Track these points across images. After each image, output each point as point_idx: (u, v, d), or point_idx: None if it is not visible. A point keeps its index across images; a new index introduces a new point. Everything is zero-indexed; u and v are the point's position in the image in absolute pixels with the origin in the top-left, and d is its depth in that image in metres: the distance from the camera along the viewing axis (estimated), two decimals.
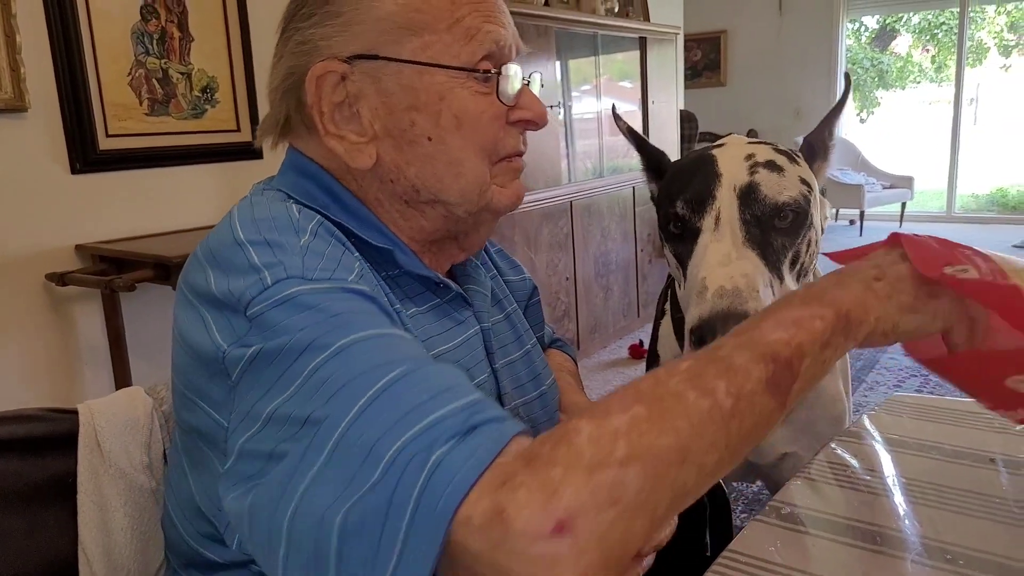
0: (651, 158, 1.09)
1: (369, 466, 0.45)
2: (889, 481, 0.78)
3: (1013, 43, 8.50)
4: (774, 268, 0.85)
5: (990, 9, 8.00)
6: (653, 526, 0.44)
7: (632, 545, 0.43)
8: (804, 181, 0.91)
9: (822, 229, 0.99)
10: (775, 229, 0.87)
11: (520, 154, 0.72)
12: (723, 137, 1.02)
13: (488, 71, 0.67)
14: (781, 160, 0.91)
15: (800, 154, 0.98)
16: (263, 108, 2.46)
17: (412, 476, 0.43)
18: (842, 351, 0.53)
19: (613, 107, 1.37)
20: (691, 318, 0.80)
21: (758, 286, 0.80)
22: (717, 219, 0.87)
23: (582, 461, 0.42)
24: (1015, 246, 5.62)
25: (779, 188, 0.88)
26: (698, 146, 4.73)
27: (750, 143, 0.95)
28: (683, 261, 0.91)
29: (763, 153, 0.92)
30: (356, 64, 0.64)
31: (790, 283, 0.88)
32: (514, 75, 0.68)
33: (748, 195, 0.87)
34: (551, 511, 0.40)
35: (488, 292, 0.79)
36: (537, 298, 0.97)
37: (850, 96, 1.07)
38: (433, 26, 0.65)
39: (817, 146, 1.01)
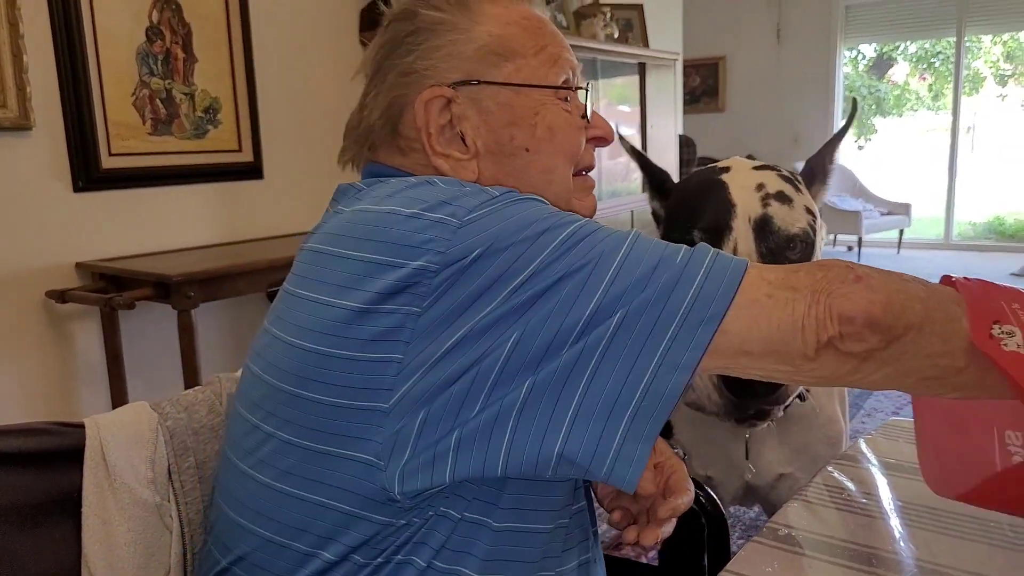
0: (654, 177, 1.12)
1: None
2: (885, 504, 0.79)
3: (1009, 73, 8.59)
4: None
5: (986, 39, 8.10)
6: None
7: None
8: (809, 210, 0.94)
9: (819, 252, 1.01)
10: (786, 260, 0.91)
11: (593, 168, 0.79)
12: (723, 160, 1.03)
13: (572, 89, 0.75)
14: (788, 190, 0.94)
15: (801, 179, 1.00)
16: (265, 129, 2.49)
17: (701, 256, 0.56)
18: None
19: (617, 128, 1.39)
20: None
21: None
22: (735, 251, 0.91)
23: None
24: (1013, 274, 5.64)
25: (791, 220, 0.92)
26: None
27: (755, 168, 0.97)
28: None
29: (772, 183, 0.94)
30: (460, 89, 0.71)
31: None
32: (588, 96, 0.77)
33: (763, 228, 0.91)
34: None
35: None
36: None
37: (853, 122, 1.11)
38: (523, 52, 0.72)
39: (817, 170, 1.04)
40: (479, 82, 0.71)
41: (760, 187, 0.94)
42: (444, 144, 0.71)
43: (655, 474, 0.73)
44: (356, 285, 0.58)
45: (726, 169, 0.98)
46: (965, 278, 0.59)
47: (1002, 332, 0.54)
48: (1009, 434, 0.61)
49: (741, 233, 0.92)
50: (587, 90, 0.77)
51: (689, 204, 0.97)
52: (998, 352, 0.52)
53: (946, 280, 0.60)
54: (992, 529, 0.72)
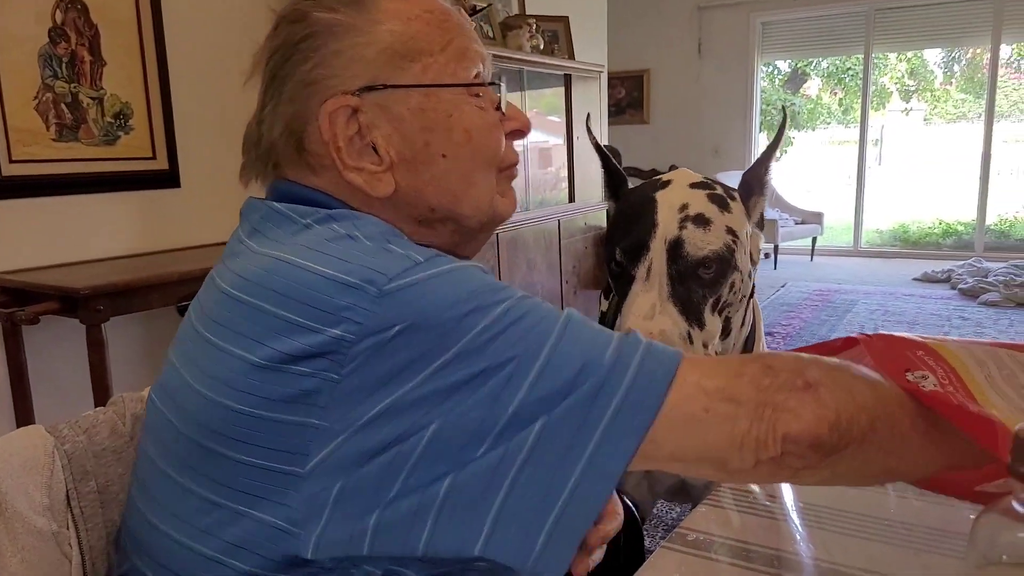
0: (613, 179, 1.18)
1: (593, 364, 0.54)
2: (788, 506, 0.82)
3: (913, 88, 9.09)
4: (694, 317, 0.97)
5: (892, 56, 8.54)
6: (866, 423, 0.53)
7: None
8: (731, 231, 1.00)
9: (755, 262, 1.07)
10: (698, 279, 0.98)
11: (516, 163, 0.76)
12: (669, 173, 1.09)
13: (484, 84, 0.71)
14: (711, 211, 0.99)
15: (736, 195, 1.05)
16: (180, 136, 2.42)
17: (628, 357, 0.54)
18: None
19: (587, 117, 1.45)
20: None
21: (673, 340, 0.92)
22: (649, 270, 0.97)
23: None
24: (915, 279, 5.96)
25: (702, 244, 0.97)
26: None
27: (691, 186, 1.03)
28: (622, 296, 1.01)
29: (696, 203, 1.00)
30: (365, 96, 0.66)
31: (712, 324, 0.99)
32: (502, 89, 0.74)
33: (675, 250, 0.97)
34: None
35: None
36: None
37: (785, 131, 1.16)
38: (428, 50, 0.68)
39: (754, 183, 1.10)
40: (385, 86, 0.67)
41: (683, 208, 0.99)
42: (355, 157, 0.66)
43: None
44: (269, 342, 0.55)
45: (666, 184, 1.04)
46: (866, 335, 0.65)
47: (916, 377, 0.58)
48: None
49: (656, 253, 0.97)
50: (499, 84, 0.74)
51: (624, 218, 1.04)
52: (919, 392, 0.57)
53: (850, 340, 0.65)
54: (886, 527, 0.76)
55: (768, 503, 0.82)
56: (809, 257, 7.03)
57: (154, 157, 2.34)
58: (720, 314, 1.01)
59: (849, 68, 8.54)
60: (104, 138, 2.20)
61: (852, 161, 7.27)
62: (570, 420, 0.53)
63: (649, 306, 0.95)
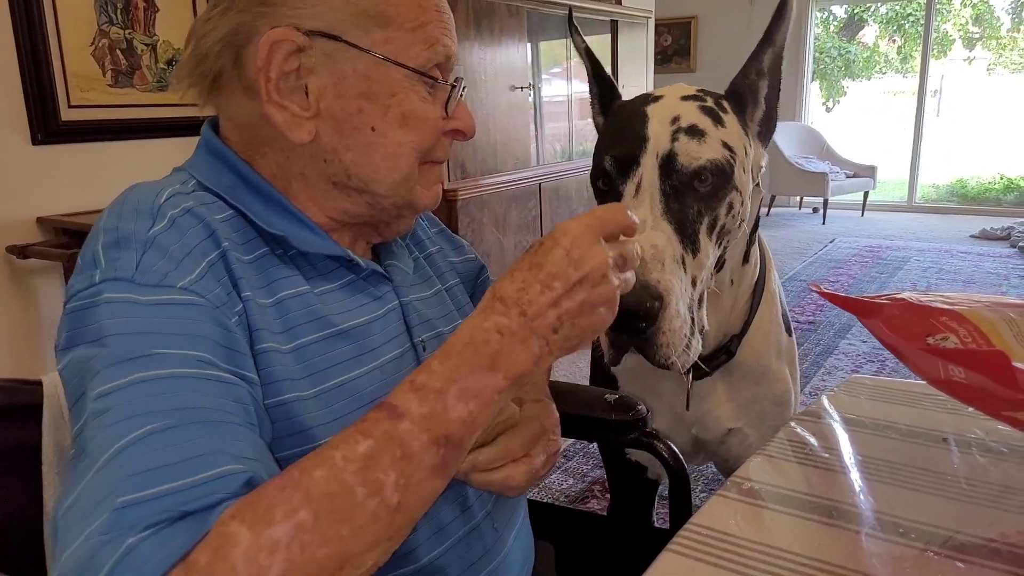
0: (603, 90, 1.09)
1: (87, 519, 0.45)
2: (846, 459, 0.81)
3: (977, 36, 8.68)
4: (689, 240, 0.89)
5: (956, 1, 8.14)
6: None
7: None
8: (727, 145, 0.92)
9: (755, 181, 0.99)
10: (693, 193, 0.90)
11: (444, 161, 0.75)
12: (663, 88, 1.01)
13: (438, 80, 0.69)
14: (705, 123, 0.92)
15: (727, 104, 0.97)
16: None
17: (105, 556, 0.44)
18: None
19: (570, 10, 1.35)
20: None
21: (664, 259, 0.83)
22: (639, 186, 0.90)
23: None
24: (972, 236, 5.78)
25: (696, 154, 0.90)
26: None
27: (683, 98, 0.95)
28: None
29: (688, 115, 0.92)
30: (316, 40, 0.64)
31: (709, 250, 0.91)
32: (458, 90, 0.71)
33: (668, 164, 0.90)
34: None
35: (410, 270, 0.81)
36: (485, 276, 0.99)
37: (782, 23, 1.04)
38: (399, 23, 0.66)
39: (744, 91, 1.00)
40: (341, 40, 0.64)
41: (675, 120, 0.92)
42: (284, 94, 0.64)
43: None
44: None
45: (657, 99, 0.97)
46: (892, 301, 0.68)
47: (936, 340, 0.61)
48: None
49: (648, 169, 0.90)
50: (458, 86, 0.71)
51: (613, 132, 0.96)
52: (942, 352, 0.60)
53: (876, 307, 0.68)
54: (948, 483, 0.75)
55: (826, 455, 0.82)
56: (860, 212, 6.85)
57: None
58: (717, 241, 0.93)
59: (910, 14, 8.18)
60: (157, 84, 2.23)
61: (909, 113, 7.01)
62: None
63: (640, 221, 0.85)
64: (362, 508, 0.48)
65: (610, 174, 0.93)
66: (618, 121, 0.98)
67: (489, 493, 0.77)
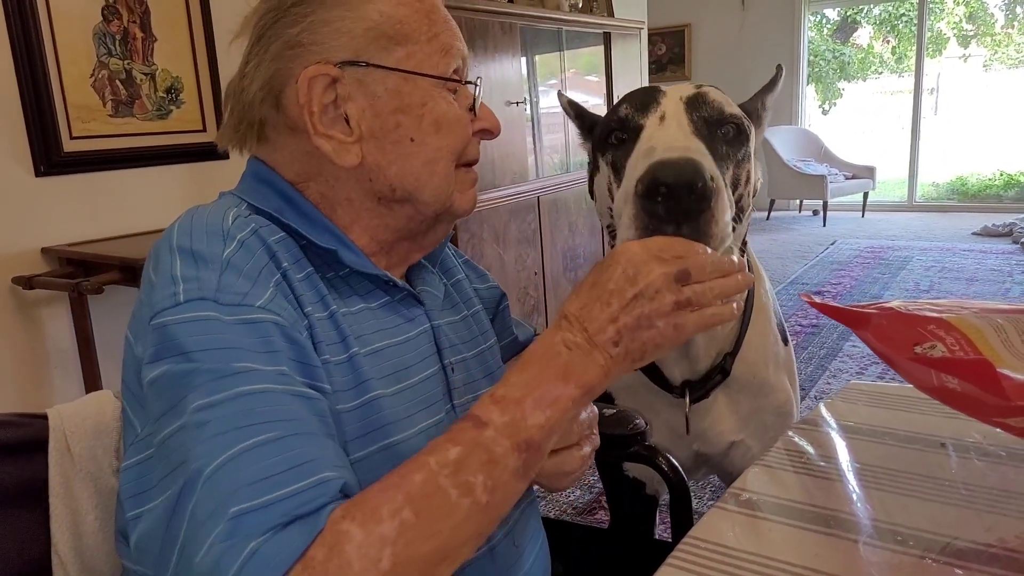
0: (588, 122, 1.10)
1: (207, 528, 0.49)
2: (843, 467, 0.82)
3: (971, 33, 8.69)
4: (721, 167, 0.82)
5: (949, 0, 8.17)
6: None
7: None
8: (743, 113, 0.92)
9: (755, 188, 0.98)
10: (720, 136, 0.86)
11: (477, 162, 0.79)
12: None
13: (460, 82, 0.74)
14: (720, 95, 0.92)
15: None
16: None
17: (231, 560, 0.48)
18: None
19: (559, 93, 1.37)
20: (637, 172, 0.74)
21: (704, 174, 0.70)
22: (663, 117, 0.85)
23: (351, 572, 0.48)
24: (974, 233, 5.77)
25: (725, 101, 0.89)
26: None
27: (696, 86, 0.96)
28: (621, 167, 0.85)
29: (707, 89, 0.92)
30: (347, 69, 0.69)
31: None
32: (479, 88, 0.77)
33: (695, 101, 0.87)
34: None
35: (440, 295, 0.84)
36: (505, 304, 1.02)
37: (780, 80, 1.11)
38: (415, 38, 0.71)
39: (751, 113, 1.02)
40: (368, 64, 0.69)
41: (698, 86, 0.91)
42: (327, 124, 0.69)
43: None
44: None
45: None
46: (879, 311, 0.70)
47: (924, 349, 0.63)
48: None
49: (670, 106, 0.85)
50: (477, 84, 0.77)
51: (621, 101, 0.92)
52: (929, 361, 0.61)
53: (863, 317, 0.69)
54: (946, 488, 0.76)
55: (823, 463, 0.83)
56: (860, 213, 6.85)
57: (204, 130, 2.38)
58: (735, 216, 0.83)
59: (903, 14, 8.20)
60: (157, 112, 2.25)
61: (906, 112, 7.02)
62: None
63: (671, 135, 0.79)
64: (457, 507, 0.53)
65: (625, 117, 0.87)
66: (624, 96, 0.94)
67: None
